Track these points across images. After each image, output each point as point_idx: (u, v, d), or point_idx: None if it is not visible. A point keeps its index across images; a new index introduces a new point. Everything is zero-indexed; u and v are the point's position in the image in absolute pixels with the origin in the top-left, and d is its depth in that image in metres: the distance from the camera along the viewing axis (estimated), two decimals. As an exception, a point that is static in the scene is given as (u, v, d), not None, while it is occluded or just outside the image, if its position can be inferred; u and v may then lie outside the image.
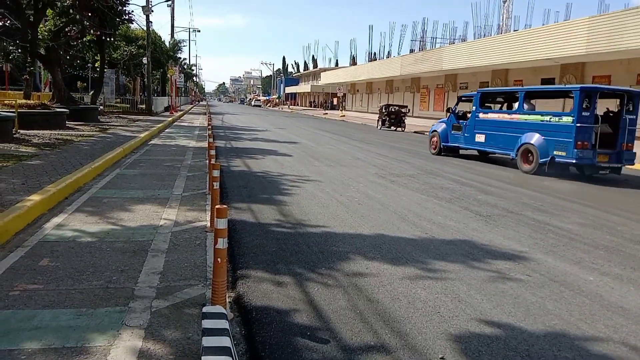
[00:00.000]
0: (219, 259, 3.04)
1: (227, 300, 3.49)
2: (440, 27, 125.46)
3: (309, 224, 5.94)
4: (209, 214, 5.77)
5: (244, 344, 3.05)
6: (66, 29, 21.65)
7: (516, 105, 13.07)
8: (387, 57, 56.75)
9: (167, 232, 5.15)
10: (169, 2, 42.02)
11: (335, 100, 66.79)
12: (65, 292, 3.52)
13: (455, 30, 77.31)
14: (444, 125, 15.59)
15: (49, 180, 6.95)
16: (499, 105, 15.32)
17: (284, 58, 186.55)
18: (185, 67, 65.22)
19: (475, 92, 14.55)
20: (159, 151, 12.64)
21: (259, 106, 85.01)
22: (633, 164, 11.72)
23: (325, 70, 72.90)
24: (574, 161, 10.81)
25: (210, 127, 13.89)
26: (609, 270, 4.70)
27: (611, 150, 11.09)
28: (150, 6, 27.98)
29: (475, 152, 15.24)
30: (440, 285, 4.10)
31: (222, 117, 35.90)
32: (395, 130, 28.52)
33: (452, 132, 15.10)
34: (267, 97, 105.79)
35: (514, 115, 12.83)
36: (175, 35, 47.37)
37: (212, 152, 7.64)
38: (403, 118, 28.87)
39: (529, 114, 12.34)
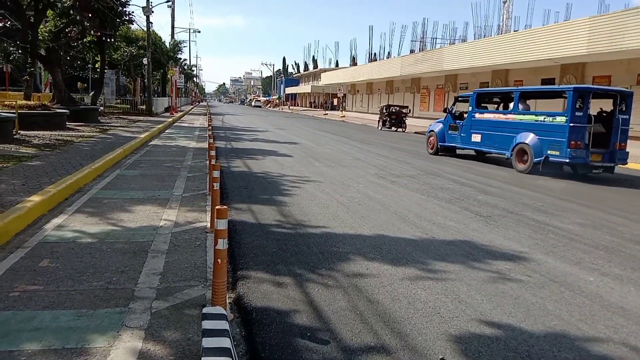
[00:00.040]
0: (219, 260, 3.04)
1: (227, 301, 3.49)
2: (441, 28, 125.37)
3: (309, 224, 5.95)
4: (209, 214, 5.78)
5: (244, 344, 3.05)
6: (66, 30, 21.70)
7: (512, 105, 13.11)
8: (387, 57, 56.73)
9: (167, 232, 5.15)
10: (169, 3, 42.11)
11: (335, 101, 66.82)
12: (65, 293, 3.52)
13: (456, 31, 77.31)
14: (441, 126, 15.66)
15: (49, 181, 6.96)
16: (495, 106, 15.37)
17: (284, 58, 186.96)
18: (186, 67, 65.26)
19: (472, 93, 14.60)
20: (159, 152, 12.65)
21: (259, 107, 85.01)
22: (626, 163, 11.78)
23: (325, 70, 72.89)
24: (567, 160, 10.86)
25: (210, 127, 13.89)
26: (609, 271, 4.69)
27: (604, 150, 11.14)
28: (150, 7, 28.00)
29: (472, 152, 15.27)
30: (440, 285, 4.11)
31: (222, 118, 35.90)
32: (396, 130, 28.46)
33: (449, 132, 15.15)
34: (268, 98, 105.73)
35: (509, 116, 12.88)
36: (175, 36, 47.42)
37: (213, 153, 7.63)
38: (404, 118, 28.76)
39: (524, 114, 12.41)
